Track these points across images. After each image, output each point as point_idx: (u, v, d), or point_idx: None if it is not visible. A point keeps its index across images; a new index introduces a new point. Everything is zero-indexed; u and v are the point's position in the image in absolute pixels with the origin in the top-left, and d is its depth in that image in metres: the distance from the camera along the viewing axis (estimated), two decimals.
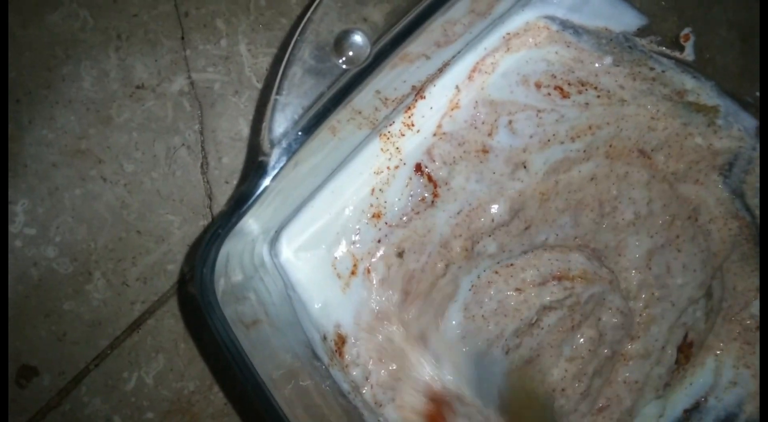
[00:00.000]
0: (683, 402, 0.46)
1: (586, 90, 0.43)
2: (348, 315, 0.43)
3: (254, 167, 0.32)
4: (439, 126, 0.43)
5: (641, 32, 0.42)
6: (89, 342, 0.50)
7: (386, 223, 0.43)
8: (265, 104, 0.50)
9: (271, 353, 0.37)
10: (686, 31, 0.41)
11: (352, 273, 0.43)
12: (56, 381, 0.50)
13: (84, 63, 0.50)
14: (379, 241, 0.43)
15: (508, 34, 0.43)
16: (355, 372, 0.42)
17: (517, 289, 0.43)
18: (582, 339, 0.44)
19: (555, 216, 0.44)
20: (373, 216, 0.43)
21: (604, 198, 0.44)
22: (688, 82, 0.42)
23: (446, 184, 0.43)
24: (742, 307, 0.45)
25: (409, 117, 0.43)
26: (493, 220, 0.43)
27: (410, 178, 0.43)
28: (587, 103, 0.43)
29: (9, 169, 0.49)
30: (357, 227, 0.43)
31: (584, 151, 0.44)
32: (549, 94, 0.43)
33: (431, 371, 0.43)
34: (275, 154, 0.32)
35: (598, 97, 0.43)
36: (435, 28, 0.35)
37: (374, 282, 0.43)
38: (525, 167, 0.43)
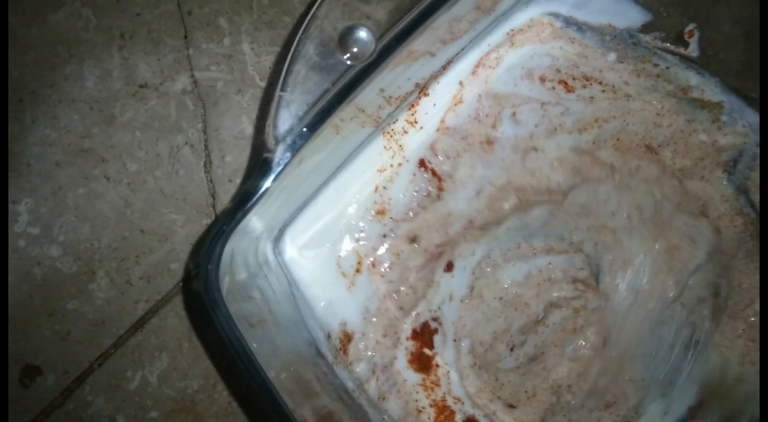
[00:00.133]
0: (688, 400, 0.45)
1: (591, 84, 0.43)
2: (355, 312, 0.42)
3: (259, 164, 0.32)
4: (443, 121, 0.43)
5: (645, 28, 0.42)
6: (93, 341, 0.50)
7: (392, 219, 0.43)
8: (269, 102, 0.50)
9: (275, 351, 0.37)
10: (691, 27, 0.41)
11: (357, 270, 0.43)
12: (60, 380, 0.50)
13: (87, 62, 0.50)
14: (384, 236, 0.43)
15: (512, 30, 0.43)
16: (359, 369, 0.42)
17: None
18: (584, 342, 0.44)
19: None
20: (378, 212, 0.43)
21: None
22: (693, 78, 0.42)
23: (450, 177, 0.43)
24: (747, 304, 0.45)
25: (413, 114, 0.43)
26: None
27: (414, 174, 0.43)
28: (592, 97, 0.43)
29: (12, 168, 0.49)
30: (361, 224, 0.43)
31: (594, 143, 0.43)
32: (553, 88, 0.43)
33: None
34: (280, 150, 0.32)
35: (603, 91, 0.43)
36: (439, 25, 0.35)
37: (382, 269, 0.43)
38: (536, 150, 0.43)
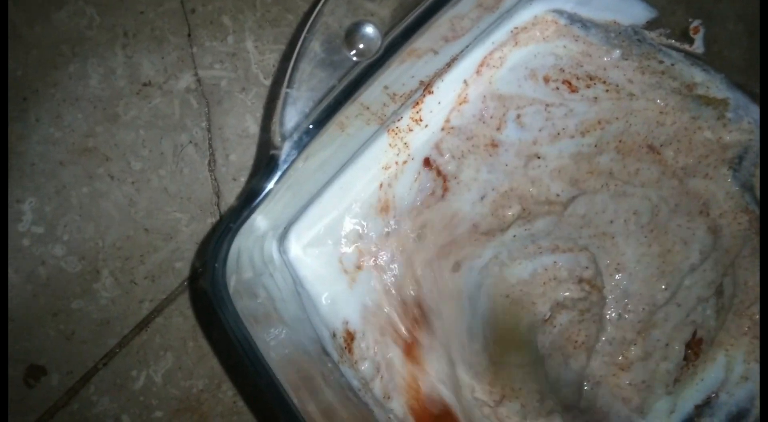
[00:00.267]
0: (694, 398, 0.45)
1: (595, 84, 0.43)
2: (355, 310, 0.42)
3: (265, 161, 0.32)
4: (447, 120, 0.43)
5: (650, 25, 0.42)
6: (97, 340, 0.50)
7: (395, 217, 0.43)
8: (274, 99, 0.50)
9: (281, 349, 0.37)
10: (696, 23, 0.41)
11: (359, 267, 0.43)
12: (64, 380, 0.50)
13: (91, 61, 0.50)
14: (387, 233, 0.43)
15: (516, 28, 0.42)
16: (364, 367, 0.42)
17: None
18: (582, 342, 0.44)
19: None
20: (381, 210, 0.43)
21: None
22: (698, 75, 0.42)
23: (455, 177, 0.43)
24: (753, 302, 0.45)
25: (417, 112, 0.43)
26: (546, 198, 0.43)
27: (419, 173, 0.43)
28: (596, 98, 0.43)
29: (16, 167, 0.49)
30: (364, 222, 0.43)
31: (596, 146, 0.43)
32: (557, 88, 0.43)
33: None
34: (286, 147, 0.32)
35: (607, 91, 0.43)
36: (443, 22, 0.35)
37: (383, 264, 0.43)
38: (539, 158, 0.43)
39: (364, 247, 0.43)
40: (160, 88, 0.50)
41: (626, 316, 0.44)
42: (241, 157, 0.50)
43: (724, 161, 0.44)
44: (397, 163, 0.43)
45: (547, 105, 0.43)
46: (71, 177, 0.50)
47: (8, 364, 0.49)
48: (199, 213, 0.50)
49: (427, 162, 0.43)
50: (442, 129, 0.43)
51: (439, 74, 0.42)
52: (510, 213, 0.44)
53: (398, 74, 0.38)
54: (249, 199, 0.32)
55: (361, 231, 0.43)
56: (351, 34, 0.32)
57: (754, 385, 0.45)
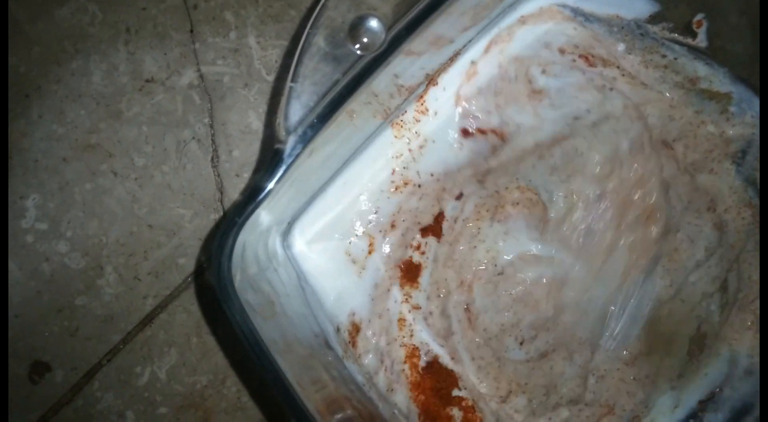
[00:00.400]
0: (698, 393, 0.45)
1: (611, 66, 0.43)
2: (364, 296, 0.42)
3: (270, 155, 0.32)
4: (458, 96, 0.42)
5: (653, 19, 0.41)
6: (102, 337, 0.50)
7: (418, 185, 0.43)
8: (277, 94, 0.50)
9: (286, 344, 0.37)
10: (699, 17, 0.41)
11: (369, 252, 0.43)
12: (69, 376, 0.50)
13: (93, 57, 0.50)
14: (399, 210, 0.43)
15: (523, 16, 0.42)
16: (367, 361, 0.42)
17: None
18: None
19: None
20: (396, 189, 0.42)
21: None
22: (701, 69, 0.42)
23: (507, 124, 0.43)
24: (756, 296, 0.45)
25: (422, 104, 0.43)
26: None
27: (461, 143, 0.43)
28: (614, 78, 0.42)
29: (19, 164, 0.49)
30: (375, 207, 0.43)
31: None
32: (574, 61, 0.42)
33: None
34: (291, 141, 0.32)
35: (623, 76, 0.43)
36: (449, 15, 0.35)
37: (401, 232, 0.43)
38: (611, 90, 0.42)
39: (375, 229, 0.43)
40: (162, 85, 0.50)
41: (630, 312, 0.44)
42: (244, 153, 0.50)
43: (727, 155, 0.44)
44: (410, 149, 0.43)
45: (571, 68, 0.42)
46: (74, 173, 0.49)
47: (12, 361, 0.49)
48: (203, 210, 0.50)
49: (465, 132, 0.42)
50: (456, 104, 0.42)
51: (445, 67, 0.42)
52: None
53: (405, 66, 0.38)
54: (254, 194, 0.32)
55: (370, 217, 0.43)
56: (355, 28, 0.32)
57: (758, 380, 0.45)
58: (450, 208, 0.43)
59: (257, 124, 0.50)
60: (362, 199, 0.42)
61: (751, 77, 0.41)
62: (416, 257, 0.43)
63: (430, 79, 0.42)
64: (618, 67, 0.43)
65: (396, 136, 0.42)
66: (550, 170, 0.43)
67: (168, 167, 0.50)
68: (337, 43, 0.32)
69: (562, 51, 0.42)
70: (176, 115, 0.50)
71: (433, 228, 0.43)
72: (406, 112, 0.42)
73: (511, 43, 0.42)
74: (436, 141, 0.43)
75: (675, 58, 0.42)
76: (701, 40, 0.41)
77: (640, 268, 0.43)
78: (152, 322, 0.50)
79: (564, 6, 0.42)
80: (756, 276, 0.45)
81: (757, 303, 0.45)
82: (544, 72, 0.42)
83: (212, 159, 0.50)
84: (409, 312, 0.43)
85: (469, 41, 0.42)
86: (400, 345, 0.43)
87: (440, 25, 0.34)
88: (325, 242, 0.43)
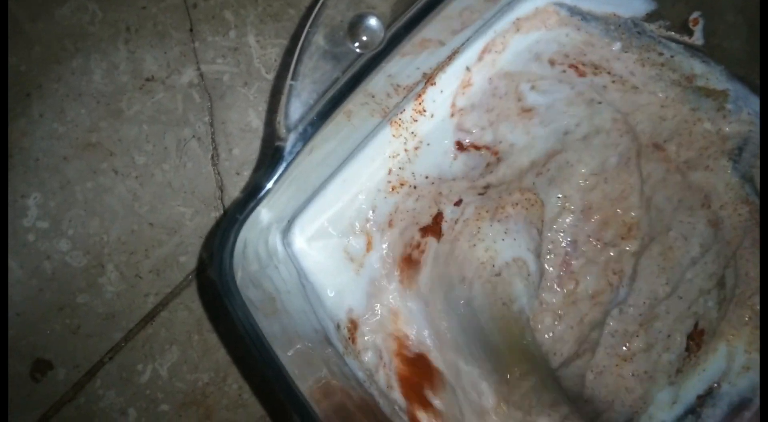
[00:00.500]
0: (696, 388, 0.45)
1: (600, 74, 0.43)
2: (361, 294, 0.43)
3: (270, 153, 0.32)
4: (453, 105, 0.43)
5: (650, 17, 0.42)
6: (103, 334, 0.50)
7: (413, 187, 0.43)
8: (277, 93, 0.50)
9: (287, 340, 0.37)
10: (695, 15, 0.41)
11: (367, 250, 0.43)
12: (71, 374, 0.50)
13: (94, 56, 0.50)
14: (396, 210, 0.43)
15: (518, 18, 0.43)
16: (367, 358, 0.42)
17: None
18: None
19: None
20: (393, 189, 0.43)
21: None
22: (697, 66, 0.42)
23: (500, 142, 0.43)
24: (754, 292, 0.45)
25: (420, 104, 0.43)
26: None
27: (455, 155, 0.43)
28: (605, 87, 0.43)
29: (20, 163, 0.49)
30: (372, 206, 0.43)
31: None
32: (564, 72, 0.43)
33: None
34: (291, 139, 0.32)
35: (613, 82, 0.43)
36: (446, 14, 0.35)
37: (398, 228, 0.43)
38: (599, 103, 0.43)
39: (373, 227, 0.43)
40: (162, 83, 0.50)
41: (628, 310, 0.44)
42: (244, 152, 0.50)
43: (723, 152, 0.44)
44: (406, 149, 0.43)
45: (560, 81, 0.42)
46: (75, 172, 0.50)
47: (14, 359, 0.49)
48: (203, 208, 0.50)
49: (459, 145, 0.43)
50: (451, 115, 0.43)
51: (442, 66, 0.42)
52: None
53: (402, 66, 0.38)
54: (255, 191, 0.32)
55: (369, 215, 0.43)
56: (354, 27, 0.32)
57: (755, 375, 0.45)
58: (449, 211, 0.44)
59: (257, 122, 0.51)
60: (360, 197, 0.43)
61: (748, 74, 0.41)
62: (415, 255, 0.44)
63: (429, 78, 0.42)
64: (609, 73, 0.43)
65: (394, 135, 0.43)
66: (549, 181, 0.44)
67: (168, 165, 0.50)
68: (337, 41, 0.32)
69: (552, 62, 0.43)
70: (176, 113, 0.50)
71: (433, 229, 0.44)
72: (404, 110, 0.42)
73: (503, 54, 0.42)
74: (431, 144, 0.43)
75: (671, 56, 0.42)
76: (698, 38, 0.41)
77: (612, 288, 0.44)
78: (154, 320, 0.50)
79: (561, 5, 0.43)
80: (753, 272, 0.45)
81: (755, 299, 0.45)
82: (533, 88, 0.42)
83: (212, 157, 0.51)
84: (405, 308, 0.44)
85: (467, 40, 0.42)
86: (393, 340, 0.43)
87: (432, 27, 0.34)
88: (325, 240, 0.43)
